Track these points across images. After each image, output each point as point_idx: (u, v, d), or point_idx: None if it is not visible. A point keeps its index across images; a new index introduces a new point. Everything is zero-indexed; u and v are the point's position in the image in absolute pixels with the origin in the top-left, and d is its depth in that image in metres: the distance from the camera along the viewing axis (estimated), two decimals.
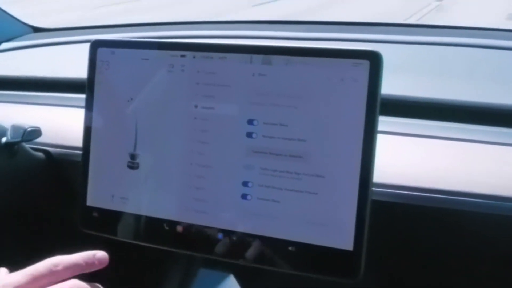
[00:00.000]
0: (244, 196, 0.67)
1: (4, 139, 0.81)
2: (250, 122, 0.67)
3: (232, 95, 0.68)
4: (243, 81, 0.67)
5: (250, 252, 0.67)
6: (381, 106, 0.62)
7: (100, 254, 0.59)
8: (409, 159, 0.74)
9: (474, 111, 0.78)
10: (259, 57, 0.67)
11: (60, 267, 0.57)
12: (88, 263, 0.59)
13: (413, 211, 0.70)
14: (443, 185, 0.69)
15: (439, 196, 0.69)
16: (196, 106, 0.69)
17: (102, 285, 0.63)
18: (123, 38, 0.80)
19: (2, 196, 0.78)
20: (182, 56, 0.70)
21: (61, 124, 0.91)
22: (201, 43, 0.72)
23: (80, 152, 0.75)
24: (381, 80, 0.62)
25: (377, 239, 0.63)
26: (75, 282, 0.55)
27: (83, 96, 0.75)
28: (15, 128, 0.81)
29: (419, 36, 1.07)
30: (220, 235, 0.68)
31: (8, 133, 0.81)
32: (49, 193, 0.90)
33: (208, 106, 0.69)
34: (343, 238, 0.63)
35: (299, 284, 0.77)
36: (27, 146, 0.86)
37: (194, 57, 0.70)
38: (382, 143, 0.64)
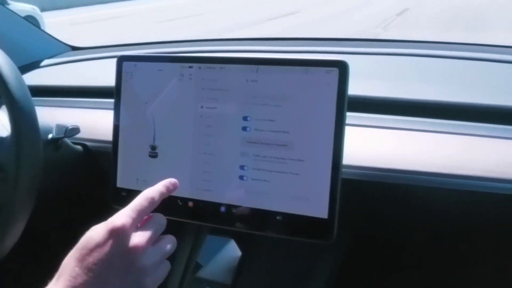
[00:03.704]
0: (241, 177, 0.66)
1: (50, 136, 0.80)
2: (245, 118, 0.66)
3: (230, 97, 0.67)
4: (239, 86, 0.67)
5: (247, 221, 0.67)
6: (348, 104, 0.62)
7: (173, 180, 0.61)
8: (371, 145, 0.73)
9: (423, 107, 0.78)
10: (251, 67, 0.66)
11: (156, 198, 0.56)
12: (168, 189, 0.60)
13: (374, 186, 0.70)
14: (397, 165, 0.69)
15: (394, 174, 0.69)
16: (202, 107, 0.69)
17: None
18: (143, 53, 0.80)
19: (49, 181, 0.77)
20: (190, 67, 0.70)
21: (95, 122, 0.91)
22: (205, 57, 0.72)
23: (110, 145, 0.75)
24: (347, 84, 0.61)
25: (347, 208, 0.63)
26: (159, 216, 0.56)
27: (112, 100, 0.74)
28: (58, 126, 0.81)
29: (378, 48, 1.06)
30: (223, 208, 0.67)
31: (53, 130, 0.81)
32: (87, 178, 0.90)
33: (211, 106, 0.68)
34: (319, 209, 0.62)
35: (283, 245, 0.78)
36: (69, 141, 0.85)
37: (199, 67, 0.69)
38: (350, 133, 0.64)
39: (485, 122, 0.73)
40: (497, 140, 0.69)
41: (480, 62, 0.92)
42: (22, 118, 0.69)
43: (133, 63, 0.73)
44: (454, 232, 0.72)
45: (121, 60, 0.73)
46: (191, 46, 1.21)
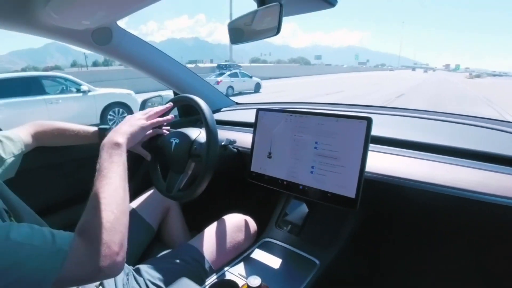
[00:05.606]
0: (311, 172, 0.69)
1: (222, 143, 0.82)
2: (316, 142, 0.69)
3: (308, 132, 0.70)
4: (313, 126, 0.69)
5: (313, 195, 0.68)
6: (370, 139, 0.62)
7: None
8: (382, 162, 0.70)
9: (419, 145, 0.71)
10: (320, 117, 0.68)
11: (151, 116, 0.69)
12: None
13: (382, 184, 0.67)
14: (397, 174, 0.66)
15: (395, 178, 0.65)
16: (294, 135, 0.71)
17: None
18: (269, 107, 0.80)
19: (220, 165, 0.76)
20: (290, 115, 0.72)
21: (243, 139, 0.89)
22: (297, 110, 0.73)
23: (249, 150, 0.78)
24: (371, 129, 0.62)
25: (365, 195, 0.63)
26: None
27: (252, 129, 0.78)
28: (227, 139, 0.83)
29: (389, 111, 0.95)
30: (301, 187, 0.70)
31: (224, 141, 0.83)
32: (237, 165, 0.88)
33: (299, 136, 0.71)
34: (351, 192, 0.63)
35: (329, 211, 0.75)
36: (231, 146, 0.85)
37: (295, 116, 0.72)
38: (371, 154, 0.63)
39: (466, 158, 0.66)
40: (473, 169, 0.62)
41: (461, 125, 0.81)
42: (211, 134, 0.72)
43: (263, 112, 0.77)
44: (433, 214, 0.65)
45: (258, 110, 0.78)
46: (292, 105, 1.13)
